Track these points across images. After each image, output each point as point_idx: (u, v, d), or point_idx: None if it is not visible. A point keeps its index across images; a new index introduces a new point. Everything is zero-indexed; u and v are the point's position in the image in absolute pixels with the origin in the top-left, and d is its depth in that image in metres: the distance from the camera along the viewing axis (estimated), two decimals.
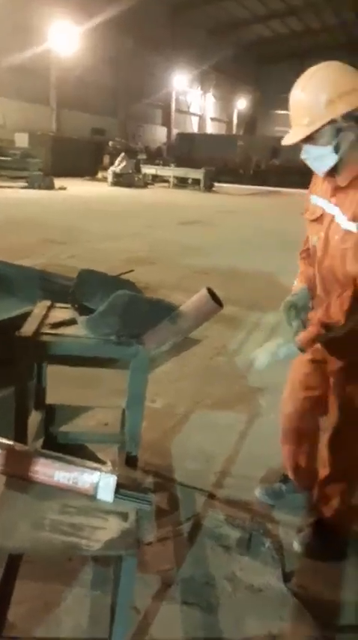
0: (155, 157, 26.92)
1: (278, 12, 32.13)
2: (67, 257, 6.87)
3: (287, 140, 1.75)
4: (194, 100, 36.31)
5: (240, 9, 31.43)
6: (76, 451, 1.64)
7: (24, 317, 1.89)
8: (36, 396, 2.15)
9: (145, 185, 20.64)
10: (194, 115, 36.98)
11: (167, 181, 21.89)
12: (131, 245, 8.14)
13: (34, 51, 21.51)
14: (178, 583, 1.86)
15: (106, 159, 22.32)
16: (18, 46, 20.66)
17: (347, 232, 1.70)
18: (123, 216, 11.74)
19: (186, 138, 32.47)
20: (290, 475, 2.31)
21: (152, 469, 2.49)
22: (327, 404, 2.05)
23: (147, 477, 2.42)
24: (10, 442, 1.46)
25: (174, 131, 33.69)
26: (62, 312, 1.92)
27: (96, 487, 1.38)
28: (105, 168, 21.00)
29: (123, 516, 1.34)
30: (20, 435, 1.71)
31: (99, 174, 21.56)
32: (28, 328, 1.72)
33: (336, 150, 1.69)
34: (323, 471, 2.05)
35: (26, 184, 16.22)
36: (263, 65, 39.78)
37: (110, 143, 23.41)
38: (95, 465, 1.45)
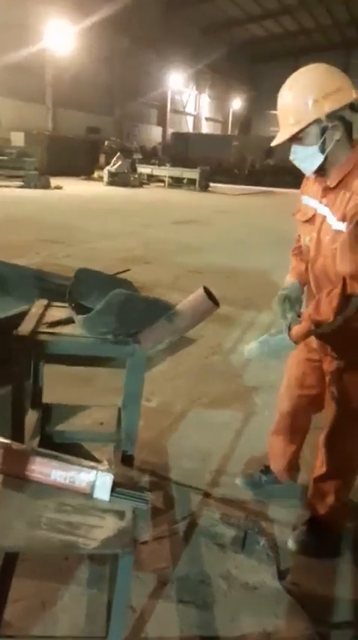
0: (150, 156, 26.91)
1: (272, 11, 32.19)
2: (62, 256, 6.87)
3: (275, 141, 1.78)
4: (189, 99, 36.31)
5: (234, 8, 31.46)
6: (72, 450, 1.64)
7: (20, 316, 1.89)
8: (33, 395, 2.15)
9: (141, 185, 20.64)
10: (189, 114, 36.99)
11: (162, 181, 21.89)
12: (127, 244, 8.14)
13: (30, 50, 21.46)
14: (174, 581, 1.87)
15: (102, 158, 22.30)
16: (13, 44, 20.60)
17: (338, 232, 1.72)
18: (119, 215, 11.73)
19: (181, 138, 32.45)
20: (274, 467, 2.36)
21: (148, 468, 2.49)
22: (322, 402, 2.08)
23: (143, 476, 2.43)
24: (7, 441, 1.46)
25: (170, 131, 33.69)
26: (59, 311, 1.92)
27: (92, 486, 1.38)
28: (102, 168, 20.97)
29: (120, 515, 1.35)
30: (17, 434, 1.72)
31: (96, 174, 21.52)
32: (25, 327, 1.72)
33: (322, 149, 1.71)
34: (320, 469, 2.07)
35: (22, 184, 16.18)
36: (257, 64, 39.85)
37: (106, 143, 23.38)
38: (92, 463, 1.46)
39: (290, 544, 2.09)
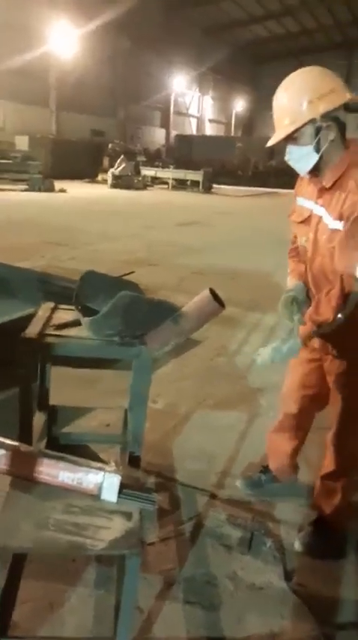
0: (154, 158, 26.93)
1: (274, 12, 32.20)
2: (67, 258, 6.89)
3: (270, 141, 1.81)
4: (192, 101, 36.35)
5: (236, 9, 31.48)
6: (78, 452, 1.65)
7: (26, 319, 1.91)
8: (39, 397, 2.16)
9: (145, 187, 20.65)
10: (192, 116, 37.03)
11: (166, 183, 21.90)
12: (131, 246, 8.16)
13: (33, 53, 21.57)
14: (180, 582, 1.88)
15: (106, 161, 22.34)
16: (17, 48, 20.72)
17: (334, 231, 1.74)
18: (122, 217, 11.75)
19: (184, 140, 32.48)
20: (273, 465, 2.38)
21: (154, 469, 2.50)
22: (324, 400, 2.10)
23: (149, 477, 2.44)
24: (15, 443, 1.47)
25: (173, 133, 33.73)
26: (66, 314, 1.93)
27: (100, 487, 1.39)
28: (105, 171, 21.01)
29: (127, 516, 1.35)
30: (25, 436, 1.72)
31: (99, 177, 21.56)
32: (32, 329, 1.73)
33: (317, 149, 1.73)
34: (327, 467, 2.09)
35: (27, 187, 16.24)
36: (259, 65, 39.83)
37: (109, 145, 23.42)
38: (99, 465, 1.46)
39: (297, 545, 2.10)
